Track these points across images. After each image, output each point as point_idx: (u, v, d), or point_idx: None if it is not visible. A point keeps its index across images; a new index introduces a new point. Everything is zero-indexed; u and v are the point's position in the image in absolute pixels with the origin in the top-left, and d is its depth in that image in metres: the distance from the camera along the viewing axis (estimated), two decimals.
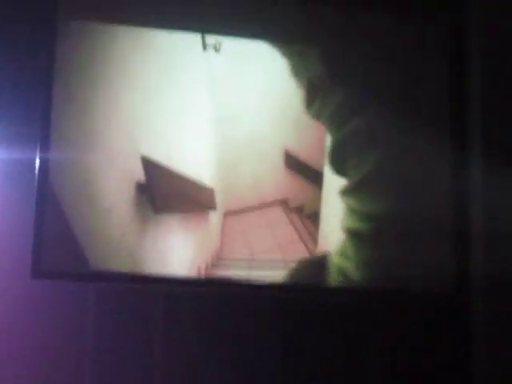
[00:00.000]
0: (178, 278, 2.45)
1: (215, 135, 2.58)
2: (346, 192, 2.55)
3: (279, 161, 2.61)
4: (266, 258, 2.51)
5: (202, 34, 2.52)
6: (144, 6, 2.50)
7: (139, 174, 2.44)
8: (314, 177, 2.59)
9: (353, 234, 2.53)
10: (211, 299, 2.47)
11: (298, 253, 2.54)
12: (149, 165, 2.45)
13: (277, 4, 2.56)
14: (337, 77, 2.58)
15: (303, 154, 2.59)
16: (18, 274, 2.38)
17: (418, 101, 2.61)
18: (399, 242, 2.51)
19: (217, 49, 2.53)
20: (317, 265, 2.52)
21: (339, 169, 2.56)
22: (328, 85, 2.57)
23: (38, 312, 2.42)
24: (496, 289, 2.34)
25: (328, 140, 2.58)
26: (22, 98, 2.47)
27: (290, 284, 2.50)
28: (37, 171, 2.39)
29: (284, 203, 2.61)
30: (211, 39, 2.53)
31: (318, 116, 2.57)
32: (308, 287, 2.52)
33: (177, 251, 2.47)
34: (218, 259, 2.52)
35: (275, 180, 2.58)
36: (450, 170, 2.52)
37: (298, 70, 2.58)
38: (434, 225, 2.51)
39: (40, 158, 2.40)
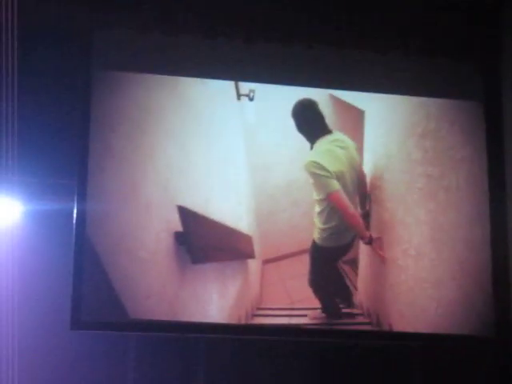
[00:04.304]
0: (219, 325, 2.42)
1: (251, 183, 2.58)
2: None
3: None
4: (305, 307, 2.49)
5: (236, 82, 2.52)
6: (177, 56, 2.50)
7: (177, 224, 2.42)
8: None
9: None
10: (252, 346, 2.46)
11: None
12: (186, 214, 2.43)
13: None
14: None
15: None
16: (58, 326, 2.39)
17: None
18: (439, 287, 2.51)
19: (250, 97, 2.53)
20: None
21: None
22: None
23: (78, 363, 2.43)
24: None
25: None
26: (59, 150, 2.49)
27: (330, 329, 2.48)
28: (74, 223, 2.39)
29: None
30: (245, 89, 2.52)
31: None
32: (348, 332, 2.51)
33: (216, 300, 2.47)
34: (257, 308, 2.52)
35: (311, 226, 2.55)
36: (489, 218, 2.52)
37: None
38: (475, 270, 2.50)
39: (77, 210, 2.40)
